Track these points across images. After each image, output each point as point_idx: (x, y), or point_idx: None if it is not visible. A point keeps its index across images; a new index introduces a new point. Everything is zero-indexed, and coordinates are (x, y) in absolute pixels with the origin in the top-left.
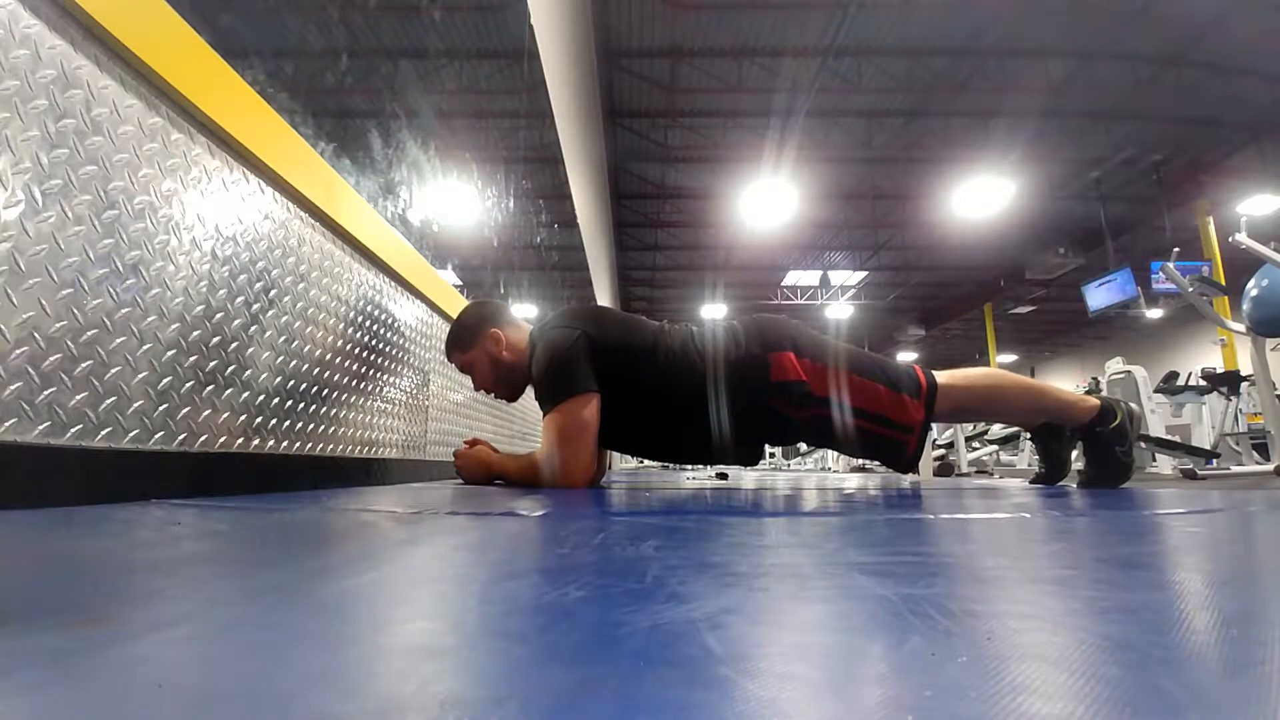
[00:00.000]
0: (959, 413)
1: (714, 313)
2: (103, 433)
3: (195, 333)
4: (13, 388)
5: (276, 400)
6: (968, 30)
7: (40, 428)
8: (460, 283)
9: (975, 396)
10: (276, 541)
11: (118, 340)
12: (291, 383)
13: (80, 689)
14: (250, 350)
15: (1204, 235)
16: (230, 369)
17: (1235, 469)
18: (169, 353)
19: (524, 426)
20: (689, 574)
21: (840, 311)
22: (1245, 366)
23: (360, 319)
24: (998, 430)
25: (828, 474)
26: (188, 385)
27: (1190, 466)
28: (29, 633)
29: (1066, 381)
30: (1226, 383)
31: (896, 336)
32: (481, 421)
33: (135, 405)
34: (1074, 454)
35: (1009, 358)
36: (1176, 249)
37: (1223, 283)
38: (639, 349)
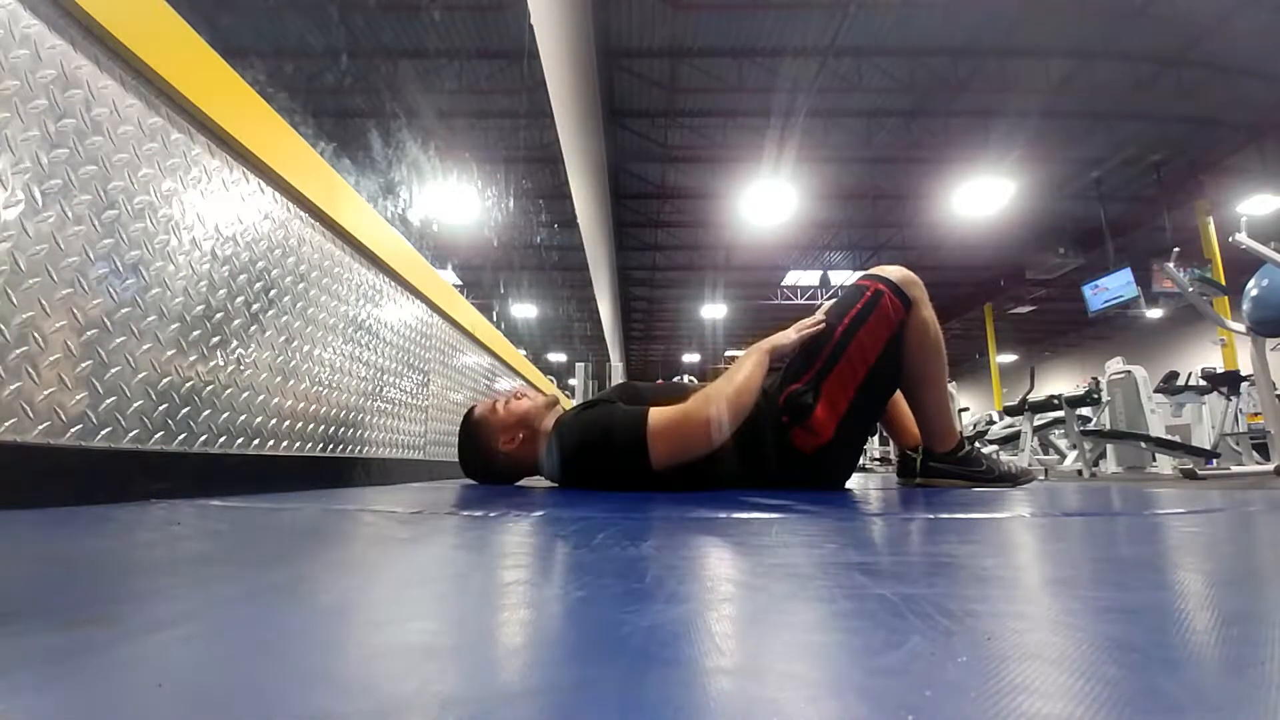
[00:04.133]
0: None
1: (714, 313)
2: (103, 433)
3: (195, 333)
4: (12, 387)
5: (276, 400)
6: (968, 30)
7: (40, 428)
8: (460, 283)
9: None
10: (276, 541)
11: (118, 340)
12: (291, 383)
13: (80, 689)
14: (250, 350)
15: (1204, 235)
16: (230, 369)
17: (1235, 469)
18: (169, 353)
19: None
20: (688, 574)
21: None
22: (1245, 366)
23: (360, 319)
24: (998, 430)
25: None
26: (188, 385)
27: (1190, 466)
28: (29, 633)
29: (1067, 382)
30: (1226, 383)
31: None
32: None
33: (135, 405)
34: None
35: (1009, 358)
36: (1177, 249)
37: (1223, 283)
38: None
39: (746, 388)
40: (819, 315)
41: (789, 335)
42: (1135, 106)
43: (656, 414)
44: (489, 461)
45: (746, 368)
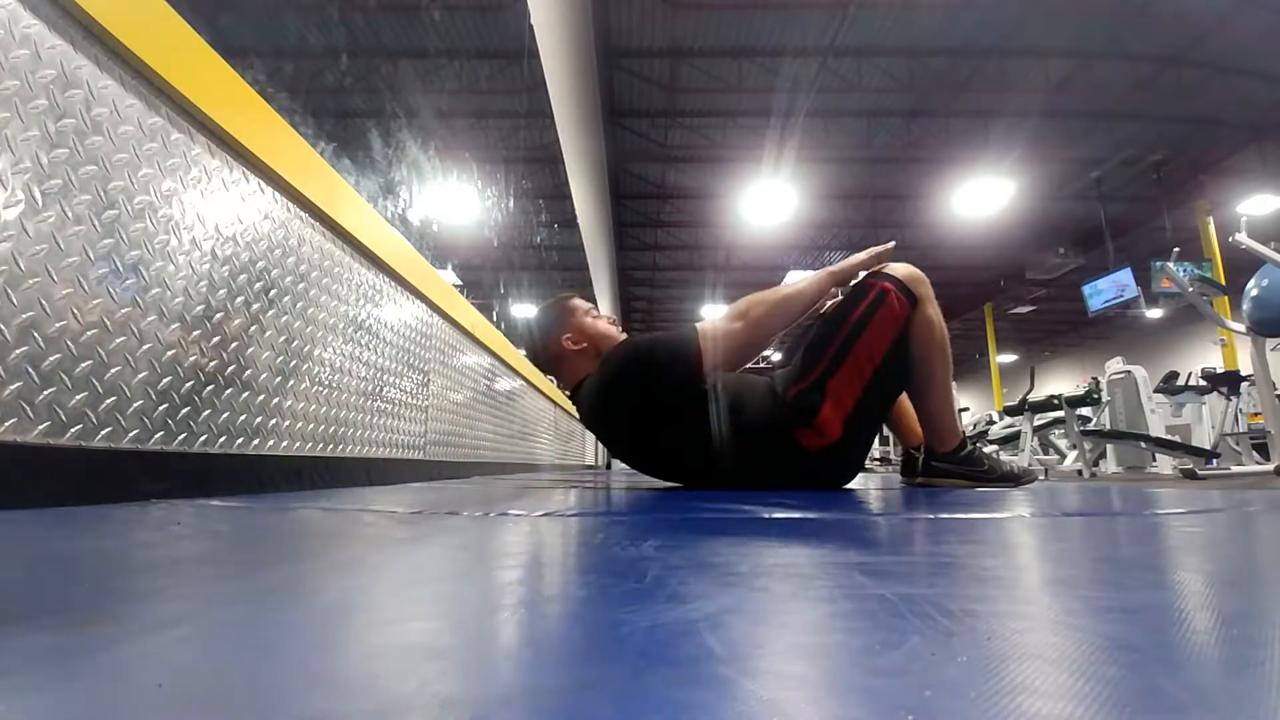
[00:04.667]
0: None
1: (714, 313)
2: (103, 433)
3: (195, 333)
4: (13, 388)
5: (276, 400)
6: (968, 30)
7: (40, 428)
8: (460, 283)
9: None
10: (276, 541)
11: (118, 340)
12: (291, 383)
13: (80, 689)
14: (250, 350)
15: (1204, 235)
16: (230, 369)
17: (1235, 469)
18: (169, 353)
19: (523, 426)
20: (689, 574)
21: None
22: (1245, 366)
23: (360, 319)
24: (998, 430)
25: None
26: (188, 385)
27: (1190, 466)
28: (29, 633)
29: (1067, 382)
30: (1226, 383)
31: None
32: (481, 421)
33: (135, 405)
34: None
35: (1009, 358)
36: (1176, 249)
37: (1223, 283)
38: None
39: (796, 296)
40: (890, 245)
41: (858, 257)
42: (1135, 106)
43: (703, 324)
44: (545, 343)
45: (803, 283)
